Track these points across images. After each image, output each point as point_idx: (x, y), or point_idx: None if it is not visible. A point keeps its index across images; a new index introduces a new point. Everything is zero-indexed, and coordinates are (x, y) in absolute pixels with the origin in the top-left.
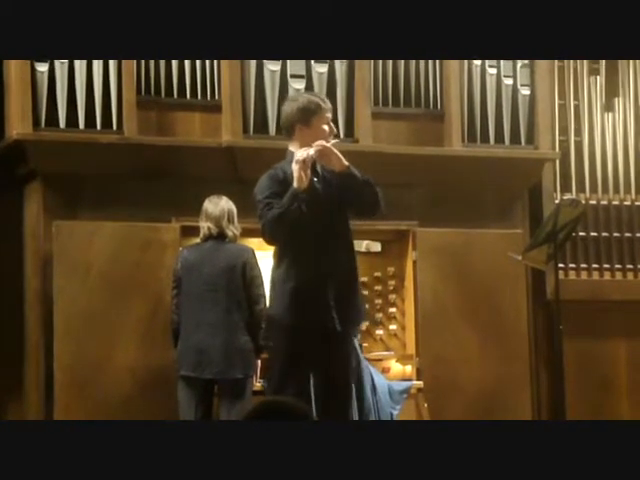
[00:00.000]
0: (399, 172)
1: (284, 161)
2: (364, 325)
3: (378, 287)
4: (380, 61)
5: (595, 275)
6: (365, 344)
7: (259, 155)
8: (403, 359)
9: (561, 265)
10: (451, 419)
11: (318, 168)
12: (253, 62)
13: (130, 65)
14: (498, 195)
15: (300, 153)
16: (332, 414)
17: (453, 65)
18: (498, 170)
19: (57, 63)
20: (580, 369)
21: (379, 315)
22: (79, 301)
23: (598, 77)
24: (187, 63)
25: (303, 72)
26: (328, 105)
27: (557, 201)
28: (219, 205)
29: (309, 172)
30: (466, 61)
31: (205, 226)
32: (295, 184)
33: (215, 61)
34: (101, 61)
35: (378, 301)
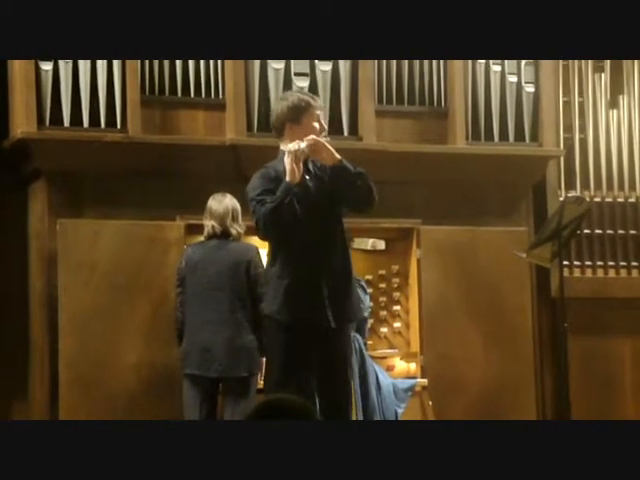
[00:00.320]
0: (403, 170)
1: (276, 160)
2: (369, 323)
3: (382, 285)
4: (384, 60)
5: (600, 272)
6: (369, 342)
7: (263, 153)
8: (407, 357)
9: (566, 262)
10: (455, 416)
11: (310, 166)
12: (257, 60)
13: (134, 64)
14: (502, 193)
15: (291, 146)
16: (331, 412)
17: (457, 63)
18: (502, 168)
19: (61, 62)
20: (585, 366)
21: (383, 313)
22: (84, 299)
23: (603, 74)
24: (191, 62)
25: (307, 70)
26: (318, 103)
27: (561, 198)
28: (223, 203)
29: (301, 166)
30: (470, 60)
31: (209, 224)
32: (288, 178)
33: (219, 60)
34: (105, 60)
35: (382, 299)
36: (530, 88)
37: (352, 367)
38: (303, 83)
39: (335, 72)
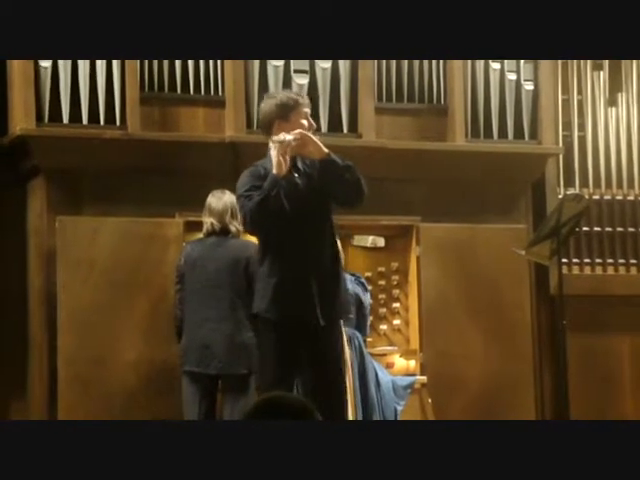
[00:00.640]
0: (402, 167)
1: (265, 158)
2: (369, 320)
3: (382, 282)
4: (383, 59)
5: (598, 270)
6: (369, 339)
7: (262, 150)
8: (407, 354)
9: (564, 260)
10: (455, 414)
11: (299, 164)
12: None
13: (133, 61)
14: (501, 190)
15: (276, 137)
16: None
17: (457, 61)
18: (501, 165)
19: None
20: (584, 364)
21: (383, 310)
22: (83, 297)
23: (601, 72)
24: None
25: (307, 68)
26: (306, 101)
27: (560, 196)
28: (222, 200)
29: (288, 158)
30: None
31: (208, 221)
32: (274, 170)
33: (218, 59)
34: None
35: (382, 296)
36: (529, 86)
37: (345, 364)
38: (302, 80)
39: (335, 70)
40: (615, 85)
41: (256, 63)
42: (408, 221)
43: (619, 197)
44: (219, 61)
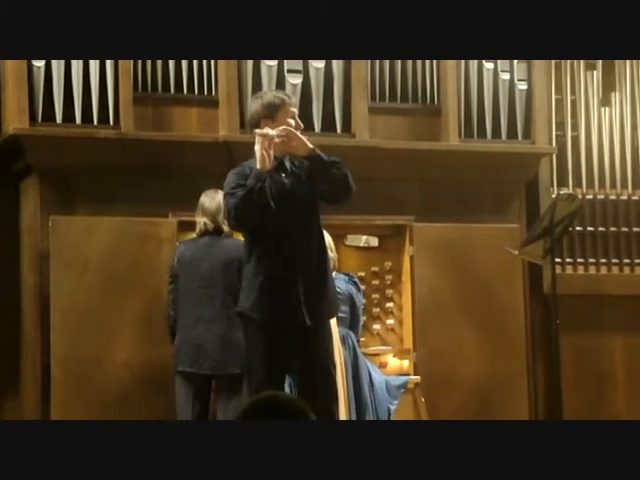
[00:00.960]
0: (396, 167)
1: (252, 158)
2: (362, 320)
3: (375, 282)
4: (377, 59)
5: (592, 270)
6: (362, 339)
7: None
8: (400, 354)
9: (558, 260)
10: (448, 413)
11: (287, 164)
12: None
13: (127, 61)
14: (495, 190)
15: (259, 130)
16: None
17: (450, 60)
18: (495, 165)
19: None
20: (577, 363)
21: (376, 310)
22: (76, 296)
23: (595, 72)
24: None
25: (300, 67)
26: (293, 101)
27: (554, 196)
28: (215, 200)
29: (272, 153)
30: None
31: (201, 221)
32: (258, 165)
33: (212, 59)
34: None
35: (375, 296)
36: (523, 86)
37: (334, 363)
38: (296, 80)
39: (328, 69)
40: (608, 85)
41: (249, 63)
42: (402, 221)
43: (612, 197)
44: (212, 61)
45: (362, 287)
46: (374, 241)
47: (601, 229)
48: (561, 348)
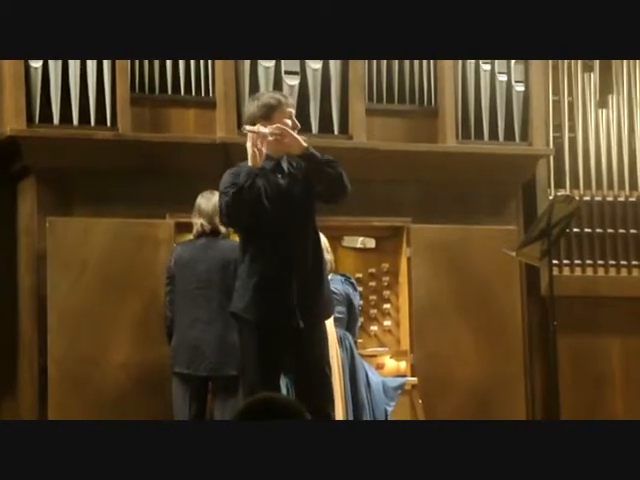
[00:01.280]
0: (393, 168)
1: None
2: (359, 321)
3: (372, 283)
4: (374, 59)
5: (589, 271)
6: (360, 340)
7: None
8: (397, 355)
9: (555, 261)
10: (445, 415)
11: (284, 164)
12: None
13: (124, 62)
14: (492, 191)
15: (249, 127)
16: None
17: (447, 62)
18: (492, 166)
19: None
20: (574, 365)
21: (373, 311)
22: (73, 297)
23: (592, 74)
24: (181, 60)
25: (297, 69)
26: (290, 101)
27: (551, 197)
28: (211, 201)
29: (264, 150)
30: (460, 59)
31: (198, 222)
32: (249, 162)
33: (209, 59)
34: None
35: (372, 297)
36: (520, 87)
37: (330, 364)
38: (293, 81)
39: (325, 70)
40: (605, 87)
41: (247, 64)
42: (399, 222)
43: (610, 198)
44: (210, 62)
45: (359, 288)
46: (371, 242)
47: (598, 231)
48: (558, 350)
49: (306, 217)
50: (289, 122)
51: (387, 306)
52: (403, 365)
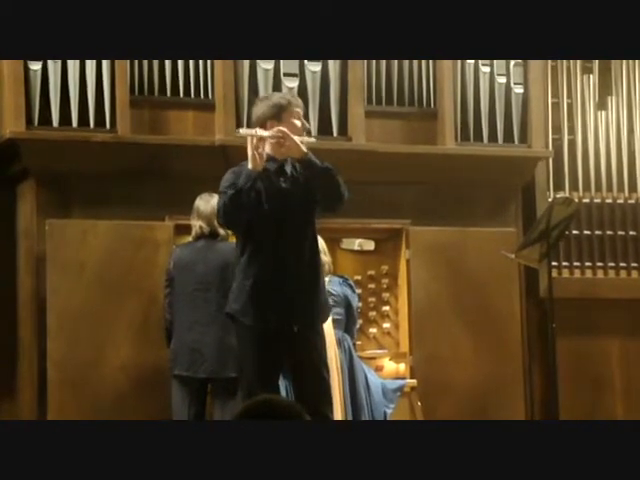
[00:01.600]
0: (392, 171)
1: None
2: (358, 323)
3: (371, 285)
4: (373, 60)
5: (588, 273)
6: (359, 342)
7: None
8: (396, 357)
9: (554, 263)
10: (444, 417)
11: (287, 168)
12: (246, 61)
13: (123, 64)
14: (491, 193)
15: (245, 130)
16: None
17: (446, 64)
18: (491, 169)
19: (50, 62)
20: (573, 367)
21: (372, 313)
22: (72, 300)
23: (591, 76)
24: (180, 62)
25: (296, 71)
26: (299, 102)
27: (550, 199)
28: (210, 203)
29: (263, 152)
30: (459, 60)
31: (197, 225)
32: (249, 165)
33: (208, 60)
34: (94, 60)
35: (371, 299)
36: (519, 89)
37: (328, 366)
38: (292, 84)
39: (324, 73)
40: (605, 88)
41: (246, 66)
42: (398, 224)
43: (609, 200)
44: (209, 64)
45: (358, 290)
46: (369, 245)
47: (597, 232)
48: (557, 352)
49: (305, 221)
50: (298, 123)
51: (386, 308)
52: (402, 367)
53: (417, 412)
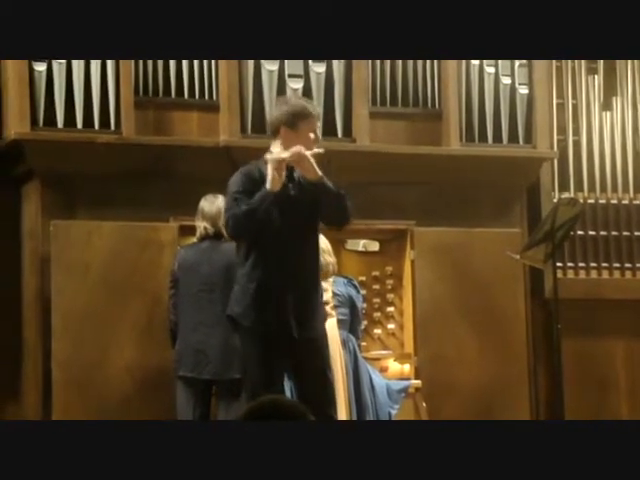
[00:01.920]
0: (397, 171)
1: (261, 159)
2: (363, 324)
3: (376, 286)
4: (378, 60)
5: (593, 274)
6: (363, 343)
7: (256, 155)
8: (401, 358)
9: (559, 264)
10: (449, 418)
11: (295, 174)
12: (251, 62)
13: (128, 65)
14: (496, 194)
15: (275, 155)
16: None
17: (451, 64)
18: (496, 169)
19: (55, 63)
20: (578, 368)
21: (377, 314)
22: (77, 301)
23: (596, 76)
24: (185, 63)
25: (301, 72)
26: (318, 111)
27: (555, 200)
28: (215, 204)
29: (283, 174)
30: (464, 60)
31: (202, 226)
32: (268, 185)
33: (213, 61)
34: (99, 61)
35: (376, 300)
36: (524, 90)
37: (331, 367)
38: (297, 85)
39: (329, 74)
40: (609, 89)
41: (250, 68)
42: (402, 225)
43: (614, 201)
44: (213, 65)
45: (362, 291)
46: (374, 246)
47: (602, 233)
48: (562, 352)
49: (310, 227)
50: (312, 136)
51: (391, 309)
52: (407, 368)
53: (422, 413)
